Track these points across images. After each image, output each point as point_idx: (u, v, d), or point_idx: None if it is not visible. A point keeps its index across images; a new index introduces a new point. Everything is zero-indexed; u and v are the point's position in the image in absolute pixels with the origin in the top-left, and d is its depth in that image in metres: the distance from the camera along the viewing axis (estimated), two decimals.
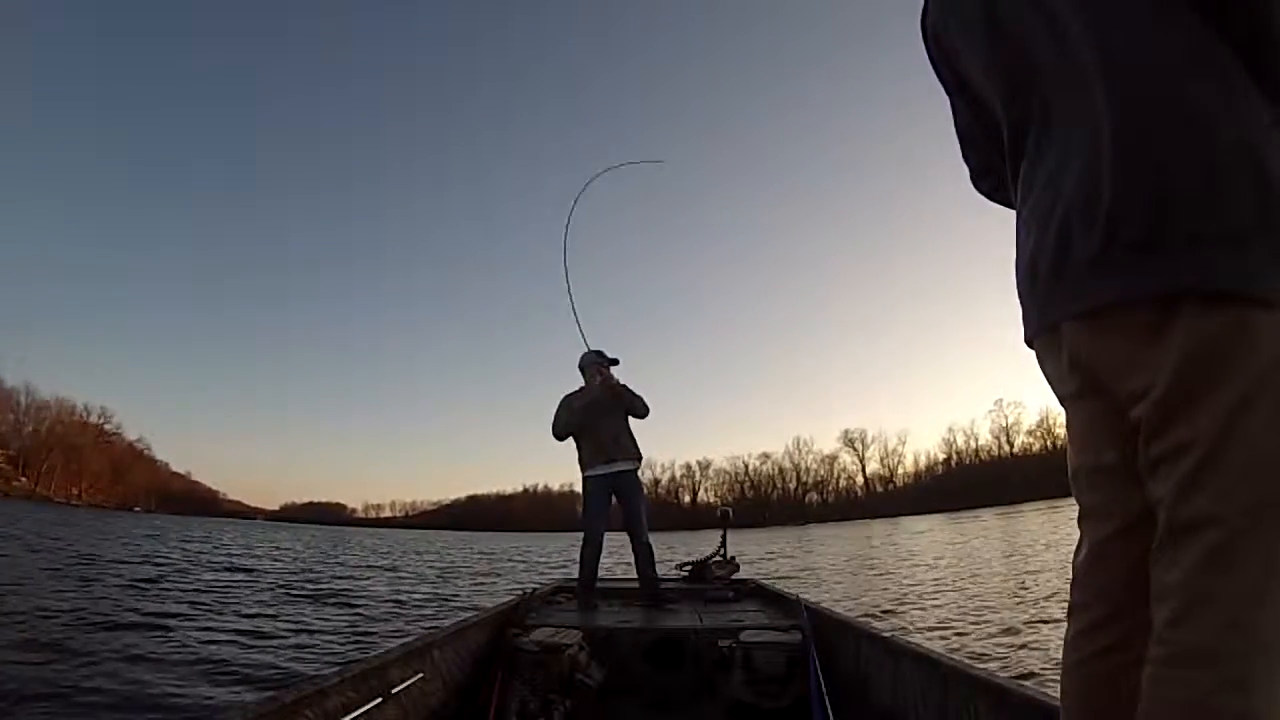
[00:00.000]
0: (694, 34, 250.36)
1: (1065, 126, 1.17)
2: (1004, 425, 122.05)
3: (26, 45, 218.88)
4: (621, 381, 5.55)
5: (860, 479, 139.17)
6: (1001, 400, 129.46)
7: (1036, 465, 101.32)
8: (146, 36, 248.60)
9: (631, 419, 5.60)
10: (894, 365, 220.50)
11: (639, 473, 5.56)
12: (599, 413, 5.46)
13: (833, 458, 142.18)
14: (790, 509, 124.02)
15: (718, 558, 6.04)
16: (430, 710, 2.80)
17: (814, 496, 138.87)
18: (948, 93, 1.57)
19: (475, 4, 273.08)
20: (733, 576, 5.95)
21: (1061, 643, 1.29)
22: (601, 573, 5.26)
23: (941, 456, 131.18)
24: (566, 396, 5.62)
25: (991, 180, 1.57)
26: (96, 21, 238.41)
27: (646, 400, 5.59)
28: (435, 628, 3.54)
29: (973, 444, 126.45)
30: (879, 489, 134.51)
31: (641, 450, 5.54)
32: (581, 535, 5.20)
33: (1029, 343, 1.34)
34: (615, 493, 5.37)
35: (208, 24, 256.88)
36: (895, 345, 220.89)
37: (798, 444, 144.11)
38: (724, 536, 6.25)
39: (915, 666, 2.62)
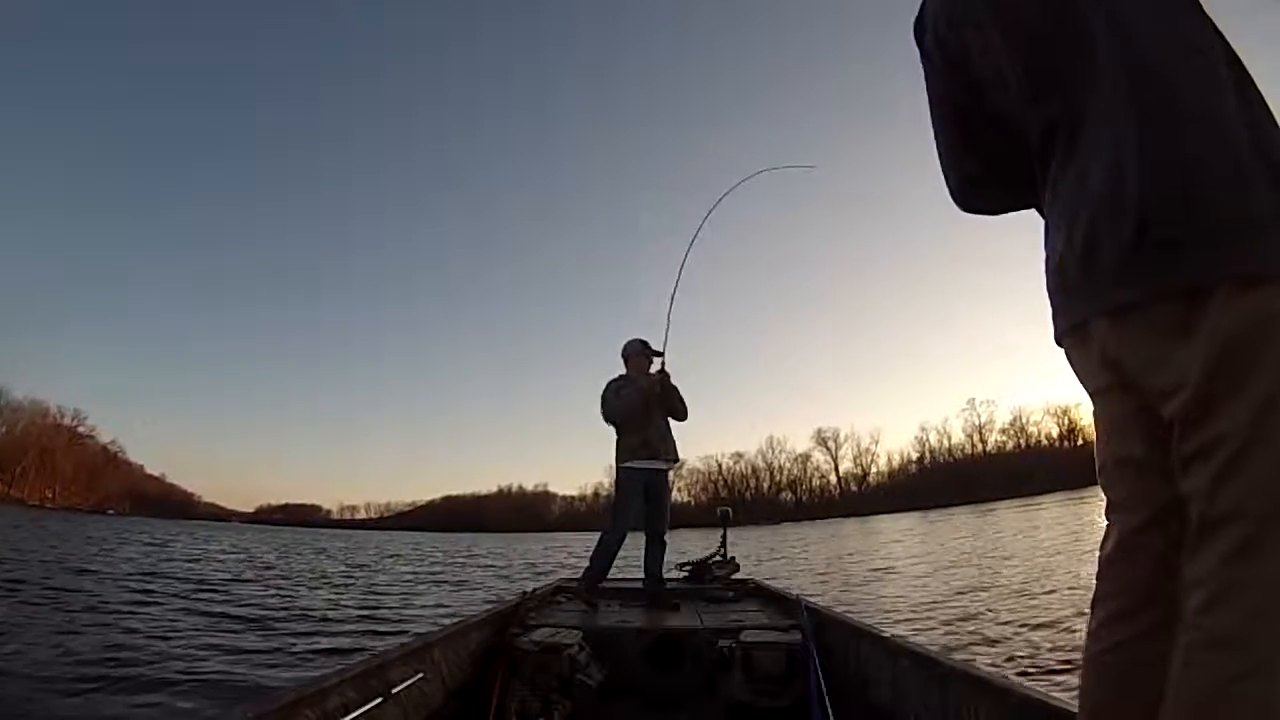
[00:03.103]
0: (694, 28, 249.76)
1: (1092, 127, 1.19)
2: (977, 424, 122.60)
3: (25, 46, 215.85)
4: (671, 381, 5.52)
5: (834, 478, 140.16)
6: (974, 399, 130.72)
7: (1010, 464, 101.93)
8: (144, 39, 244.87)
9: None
10: (867, 364, 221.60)
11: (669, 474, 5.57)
12: (651, 408, 5.43)
13: (806, 456, 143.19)
14: (764, 508, 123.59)
15: (718, 558, 6.03)
16: (430, 710, 2.80)
17: (788, 495, 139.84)
18: (944, 94, 1.57)
19: (475, 2, 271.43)
20: (733, 576, 5.96)
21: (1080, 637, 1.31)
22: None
23: (915, 455, 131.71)
24: (612, 382, 5.55)
25: (990, 196, 1.59)
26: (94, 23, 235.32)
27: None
28: (437, 628, 3.53)
29: (946, 443, 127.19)
30: (853, 488, 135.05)
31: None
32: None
33: (1058, 340, 1.36)
34: (647, 488, 5.34)
35: (205, 25, 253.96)
36: (868, 345, 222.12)
37: (771, 443, 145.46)
38: (724, 536, 6.25)
39: (915, 666, 2.64)
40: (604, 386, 5.56)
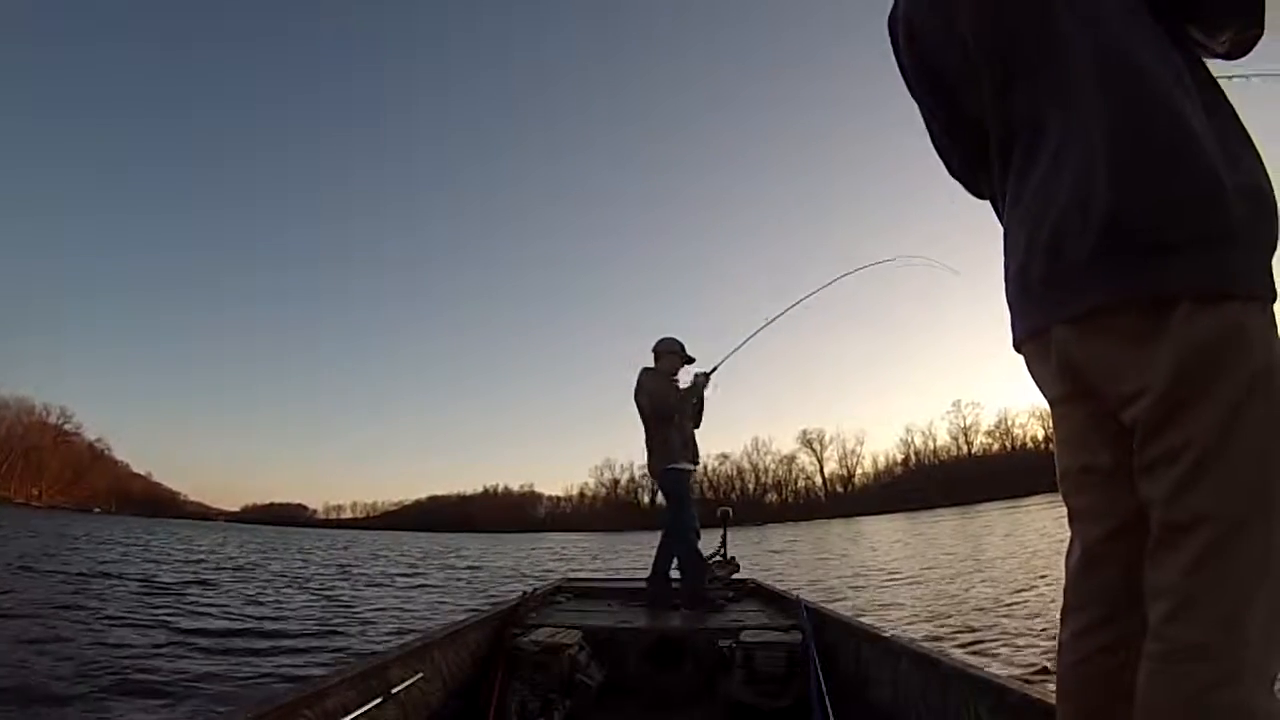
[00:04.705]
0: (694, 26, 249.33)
1: (1057, 133, 1.18)
2: (962, 426, 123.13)
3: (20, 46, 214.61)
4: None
5: (819, 479, 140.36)
6: (959, 401, 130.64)
7: (995, 466, 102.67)
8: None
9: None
10: (852, 366, 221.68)
11: None
12: (687, 413, 5.47)
13: (791, 458, 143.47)
14: (749, 510, 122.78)
15: (718, 558, 5.97)
16: (430, 710, 2.81)
17: (773, 497, 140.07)
18: (920, 94, 1.56)
19: (474, 2, 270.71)
20: (733, 576, 5.93)
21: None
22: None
23: (900, 457, 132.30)
24: (649, 370, 5.55)
25: (977, 185, 1.58)
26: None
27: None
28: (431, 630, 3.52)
29: (931, 445, 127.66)
30: (838, 489, 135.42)
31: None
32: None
33: (1017, 347, 1.35)
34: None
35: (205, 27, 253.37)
36: (853, 346, 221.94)
37: (756, 445, 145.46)
38: (724, 536, 6.21)
39: (915, 666, 2.65)
40: (640, 373, 5.54)
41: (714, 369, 5.57)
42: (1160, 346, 1.02)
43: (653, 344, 5.61)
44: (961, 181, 1.62)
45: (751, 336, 5.73)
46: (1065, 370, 1.21)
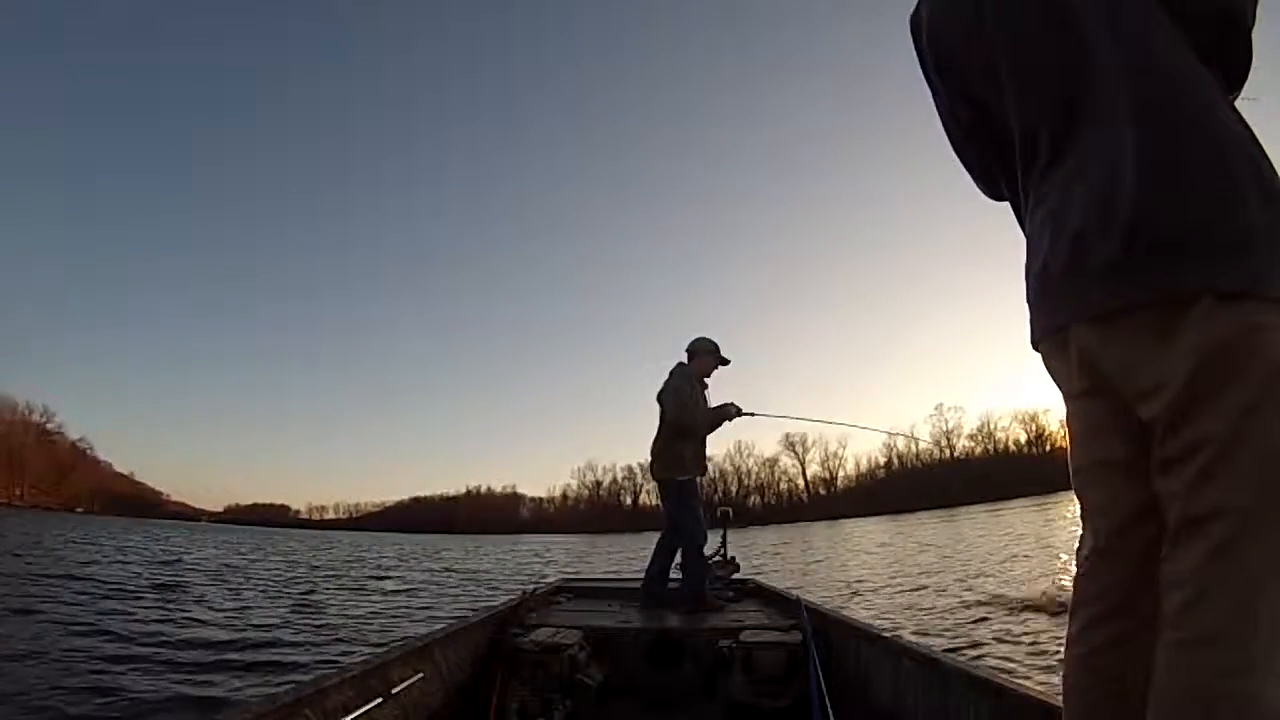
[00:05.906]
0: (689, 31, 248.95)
1: (1084, 134, 1.21)
2: (945, 429, 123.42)
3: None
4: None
5: (801, 482, 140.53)
6: (942, 405, 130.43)
7: (977, 469, 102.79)
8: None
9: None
10: (834, 369, 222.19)
11: None
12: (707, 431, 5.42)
13: (774, 461, 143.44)
14: (732, 511, 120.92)
15: (718, 558, 5.98)
16: (430, 710, 2.81)
17: (756, 499, 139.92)
18: (941, 93, 1.57)
19: (474, 2, 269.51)
20: (733, 577, 5.94)
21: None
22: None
23: (882, 460, 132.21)
24: (682, 369, 5.43)
25: (997, 187, 1.58)
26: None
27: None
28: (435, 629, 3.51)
29: (913, 448, 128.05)
30: (820, 492, 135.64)
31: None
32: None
33: (1035, 344, 1.37)
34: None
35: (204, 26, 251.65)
36: (835, 348, 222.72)
37: (738, 447, 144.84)
38: (724, 537, 6.21)
39: (915, 666, 2.66)
40: (673, 374, 5.40)
41: (749, 413, 5.50)
42: (1179, 344, 1.04)
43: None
44: (980, 184, 1.63)
45: (789, 417, 5.81)
46: (1084, 367, 1.23)
